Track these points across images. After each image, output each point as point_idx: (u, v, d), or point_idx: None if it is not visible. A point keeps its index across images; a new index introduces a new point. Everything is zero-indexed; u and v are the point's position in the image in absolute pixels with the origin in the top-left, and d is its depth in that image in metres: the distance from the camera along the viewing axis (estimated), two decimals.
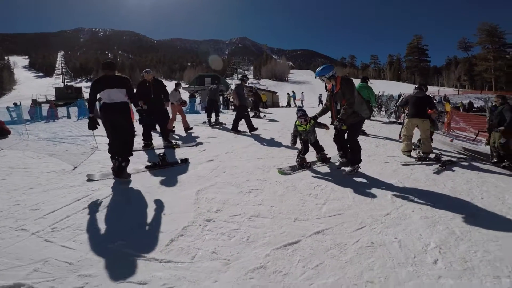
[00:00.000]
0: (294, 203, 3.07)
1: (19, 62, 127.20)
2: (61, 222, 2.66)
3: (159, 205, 3.09)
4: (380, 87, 38.09)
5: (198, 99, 23.58)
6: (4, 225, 2.59)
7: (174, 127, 8.21)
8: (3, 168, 4.37)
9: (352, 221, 2.66)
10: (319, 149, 4.53)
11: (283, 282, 1.85)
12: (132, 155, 4.00)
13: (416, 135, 5.52)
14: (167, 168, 4.33)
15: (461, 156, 5.72)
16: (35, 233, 2.46)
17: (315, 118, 4.34)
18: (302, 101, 30.78)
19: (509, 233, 2.47)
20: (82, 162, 4.75)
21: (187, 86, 49.56)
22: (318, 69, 4.09)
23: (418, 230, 2.48)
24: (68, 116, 16.98)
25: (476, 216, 2.81)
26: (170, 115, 7.23)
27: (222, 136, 7.28)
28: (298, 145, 4.49)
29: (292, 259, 2.08)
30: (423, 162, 4.82)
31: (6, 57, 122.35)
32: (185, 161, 4.61)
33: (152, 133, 6.08)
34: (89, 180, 3.81)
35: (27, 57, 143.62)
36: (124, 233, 2.49)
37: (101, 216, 2.82)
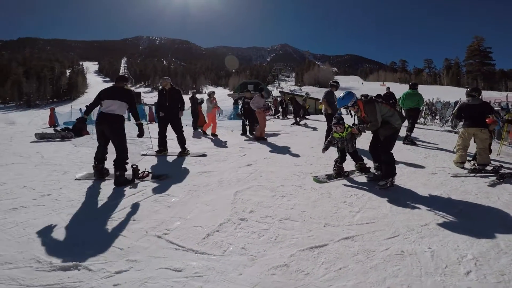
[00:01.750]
0: (327, 209, 3.11)
1: (90, 68, 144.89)
2: (119, 212, 3.09)
3: (202, 201, 3.40)
4: (436, 93, 35.01)
5: (241, 106, 24.26)
6: (79, 213, 3.10)
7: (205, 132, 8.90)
8: (76, 162, 5.20)
9: (385, 230, 2.61)
10: (357, 158, 4.44)
11: (303, 281, 1.93)
12: (125, 164, 4.07)
13: (473, 146, 5.09)
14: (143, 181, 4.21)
15: None
16: (98, 219, 2.91)
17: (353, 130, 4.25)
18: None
19: None
20: (140, 160, 5.36)
21: (231, 92, 51.24)
22: (339, 99, 4.09)
23: (456, 242, 2.36)
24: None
25: None
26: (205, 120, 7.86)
27: (262, 142, 7.51)
28: (333, 153, 4.47)
29: (316, 261, 2.15)
30: (477, 174, 4.42)
31: (80, 63, 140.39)
32: (160, 177, 4.32)
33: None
34: (77, 179, 4.21)
35: (96, 62, 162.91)
36: (169, 224, 2.80)
37: (152, 209, 3.20)
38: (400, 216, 2.91)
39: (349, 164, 4.45)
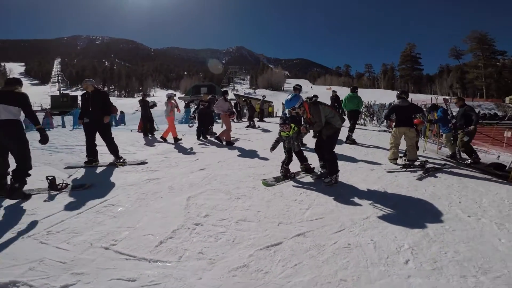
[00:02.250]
0: (280, 208, 3.23)
1: (15, 69, 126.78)
2: (56, 226, 2.79)
3: (151, 210, 3.23)
4: (374, 96, 38.64)
5: (193, 109, 23.79)
6: (2, 228, 2.71)
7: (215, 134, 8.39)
8: None
9: (333, 224, 2.82)
10: (302, 159, 4.53)
11: (263, 280, 1.99)
12: (26, 175, 3.74)
13: (403, 143, 5.75)
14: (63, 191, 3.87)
15: (447, 163, 5.94)
16: (31, 235, 2.59)
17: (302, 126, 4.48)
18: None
19: (480, 235, 2.63)
20: (77, 170, 4.88)
21: (183, 95, 49.77)
22: (286, 101, 4.23)
23: (394, 233, 2.65)
24: (63, 125, 17.00)
25: (451, 218, 2.99)
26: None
27: (215, 146, 7.46)
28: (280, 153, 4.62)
29: (273, 259, 2.23)
30: (408, 169, 5.02)
31: (2, 64, 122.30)
32: (82, 187, 4.03)
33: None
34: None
35: (23, 64, 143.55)
36: (116, 235, 2.62)
37: (95, 220, 2.95)
38: (345, 211, 3.17)
39: (295, 165, 4.58)
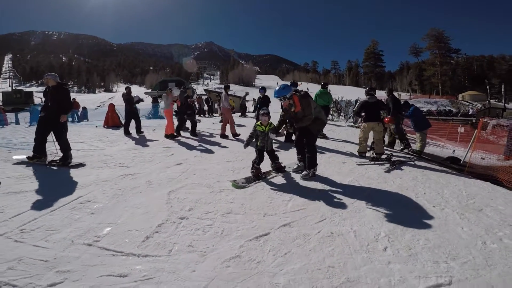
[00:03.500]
0: (263, 200, 3.31)
1: None
2: (29, 224, 2.62)
3: (131, 205, 3.13)
4: (340, 92, 40.12)
5: (162, 104, 22.99)
6: None
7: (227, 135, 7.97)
8: None
9: (314, 215, 2.95)
10: (274, 158, 4.41)
11: (257, 269, 2.04)
12: None
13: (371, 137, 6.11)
14: None
15: (409, 156, 6.42)
16: (3, 234, 2.41)
17: (276, 129, 4.43)
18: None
19: (445, 223, 2.89)
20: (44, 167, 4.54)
21: (149, 90, 47.88)
22: (278, 90, 4.22)
23: (370, 222, 2.84)
24: (17, 122, 15.69)
25: (418, 208, 3.27)
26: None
27: (190, 140, 7.33)
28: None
29: (263, 249, 2.29)
30: (376, 162, 5.36)
31: None
32: None
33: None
34: None
35: None
36: (98, 231, 2.52)
37: (71, 217, 2.81)
38: (324, 202, 3.31)
39: (265, 164, 4.41)
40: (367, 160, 5.50)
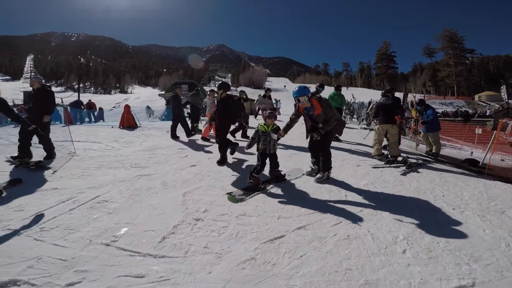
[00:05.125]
0: (277, 203, 3.29)
1: None
2: (49, 222, 2.70)
3: (148, 206, 3.18)
4: (353, 94, 39.58)
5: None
6: None
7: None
8: None
9: (330, 218, 2.91)
10: (275, 165, 4.10)
11: (272, 271, 2.04)
12: None
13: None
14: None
15: (426, 159, 6.26)
16: (23, 232, 2.49)
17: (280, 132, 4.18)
18: (279, 108, 31.20)
19: (466, 226, 2.81)
20: (62, 166, 4.67)
21: (162, 92, 48.65)
22: (298, 89, 4.08)
23: (387, 225, 2.78)
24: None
25: (437, 211, 3.19)
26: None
27: (203, 143, 7.39)
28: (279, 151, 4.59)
29: (279, 251, 2.28)
30: (391, 165, 5.24)
31: None
32: (13, 183, 3.74)
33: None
34: None
35: None
36: (115, 231, 2.57)
37: (90, 216, 2.88)
38: (339, 205, 3.27)
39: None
40: (382, 163, 5.39)
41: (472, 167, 5.55)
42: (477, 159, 6.17)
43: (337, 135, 7.83)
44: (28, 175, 4.16)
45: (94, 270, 1.99)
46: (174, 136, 7.84)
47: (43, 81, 5.32)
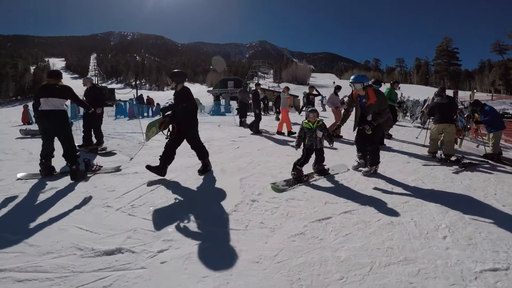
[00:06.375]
0: (324, 190, 3.61)
1: (57, 64, 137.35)
2: (137, 200, 3.32)
3: (212, 188, 3.75)
4: (407, 91, 37.06)
5: (222, 101, 24.51)
6: (92, 203, 3.28)
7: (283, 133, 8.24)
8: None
9: (374, 205, 3.14)
10: (320, 159, 4.21)
11: (320, 244, 2.37)
12: (76, 157, 4.15)
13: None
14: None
15: (485, 160, 5.91)
16: (119, 209, 3.11)
17: (338, 126, 4.62)
18: (324, 105, 30.65)
19: None
20: (136, 153, 5.51)
21: (210, 89, 50.77)
22: (355, 76, 4.24)
23: (432, 215, 2.92)
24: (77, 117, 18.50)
25: (485, 206, 3.21)
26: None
27: (251, 136, 7.90)
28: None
29: (326, 229, 2.61)
30: (444, 164, 5.13)
31: (46, 59, 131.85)
32: (117, 169, 4.54)
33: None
34: (19, 179, 4.06)
35: (63, 59, 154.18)
36: (190, 208, 3.11)
37: (167, 196, 3.47)
38: (385, 196, 3.47)
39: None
40: (435, 161, 5.30)
41: None
42: None
43: (390, 133, 7.73)
44: (109, 161, 5.02)
45: (177, 240, 2.48)
46: (258, 132, 8.35)
47: (93, 80, 6.50)
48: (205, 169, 4.36)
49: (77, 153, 4.24)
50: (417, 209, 3.06)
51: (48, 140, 4.20)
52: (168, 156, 4.06)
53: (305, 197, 3.39)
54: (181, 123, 4.08)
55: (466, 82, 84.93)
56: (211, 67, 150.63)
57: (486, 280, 1.91)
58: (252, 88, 10.16)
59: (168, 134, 4.04)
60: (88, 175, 4.22)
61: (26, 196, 3.48)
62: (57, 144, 4.21)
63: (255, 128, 8.31)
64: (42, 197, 3.46)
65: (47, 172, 4.19)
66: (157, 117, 17.56)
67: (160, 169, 4.00)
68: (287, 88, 9.24)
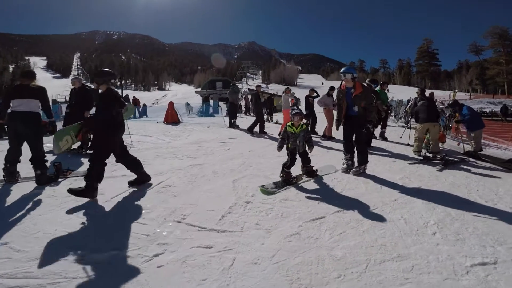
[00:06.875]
0: (315, 191, 3.68)
1: (38, 63, 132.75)
2: (127, 204, 3.29)
3: (204, 190, 3.73)
4: (391, 91, 38.11)
5: (211, 102, 24.40)
6: (82, 207, 3.20)
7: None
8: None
9: (366, 204, 3.24)
10: (306, 160, 4.21)
11: (316, 244, 2.43)
12: (44, 162, 3.94)
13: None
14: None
15: (466, 158, 6.16)
16: (109, 212, 3.09)
17: (337, 121, 4.69)
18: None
19: (496, 216, 2.98)
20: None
21: (198, 89, 50.35)
22: (347, 67, 4.54)
23: (420, 212, 3.04)
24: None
25: (470, 203, 3.36)
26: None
27: (242, 137, 7.93)
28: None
29: (320, 229, 2.67)
30: (428, 162, 5.31)
31: (26, 58, 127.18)
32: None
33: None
34: None
35: (45, 58, 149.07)
36: (183, 211, 3.09)
37: (159, 198, 3.46)
38: (375, 194, 3.58)
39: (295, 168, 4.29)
40: (419, 159, 5.48)
41: None
42: None
43: (386, 136, 7.88)
44: None
45: (173, 243, 2.46)
46: (263, 132, 8.39)
47: (83, 81, 6.32)
48: (137, 180, 3.87)
49: (45, 158, 4.01)
50: (406, 207, 3.18)
51: (19, 144, 3.92)
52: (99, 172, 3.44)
53: (298, 197, 3.45)
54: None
55: (446, 82, 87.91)
56: (199, 67, 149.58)
57: (477, 274, 2.01)
58: (243, 89, 10.19)
59: (88, 146, 3.76)
60: (60, 179, 4.07)
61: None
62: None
63: (250, 128, 8.42)
64: (18, 203, 3.34)
65: (10, 177, 3.91)
66: (144, 117, 17.45)
67: (87, 191, 3.33)
68: (289, 89, 9.28)
